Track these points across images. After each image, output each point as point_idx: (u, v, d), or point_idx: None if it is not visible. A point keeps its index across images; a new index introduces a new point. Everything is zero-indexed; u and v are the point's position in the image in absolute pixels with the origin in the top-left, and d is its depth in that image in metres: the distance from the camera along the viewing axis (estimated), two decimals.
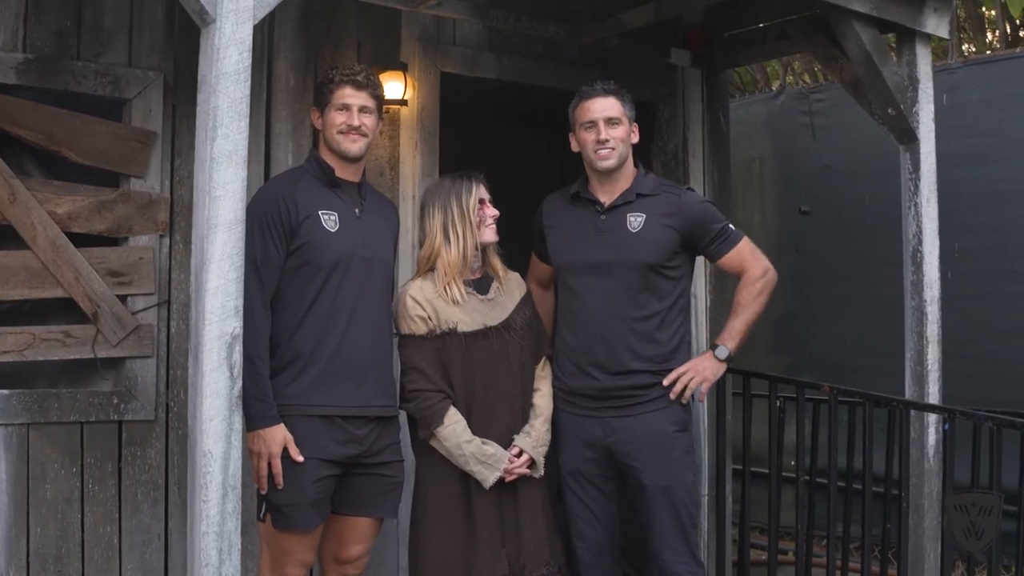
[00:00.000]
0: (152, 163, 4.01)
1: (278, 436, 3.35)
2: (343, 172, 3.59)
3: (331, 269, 3.47)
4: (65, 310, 3.86)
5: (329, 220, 3.49)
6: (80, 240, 3.86)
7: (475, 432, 3.55)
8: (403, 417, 3.69)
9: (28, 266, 3.75)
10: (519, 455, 3.59)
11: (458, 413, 3.55)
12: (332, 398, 3.44)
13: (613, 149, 3.79)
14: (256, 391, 3.30)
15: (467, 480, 3.57)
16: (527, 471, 3.60)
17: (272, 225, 3.42)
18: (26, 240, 3.74)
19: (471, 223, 3.63)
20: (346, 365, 3.47)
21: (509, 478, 3.56)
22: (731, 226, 3.89)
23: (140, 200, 3.97)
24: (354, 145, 3.56)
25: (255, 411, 3.30)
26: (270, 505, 3.41)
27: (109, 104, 3.99)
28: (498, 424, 3.61)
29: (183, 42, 4.04)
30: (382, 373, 3.58)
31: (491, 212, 3.69)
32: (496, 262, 3.75)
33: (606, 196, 3.86)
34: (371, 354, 3.53)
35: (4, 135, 3.75)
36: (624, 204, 3.84)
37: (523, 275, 3.94)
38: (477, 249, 3.67)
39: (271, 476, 3.36)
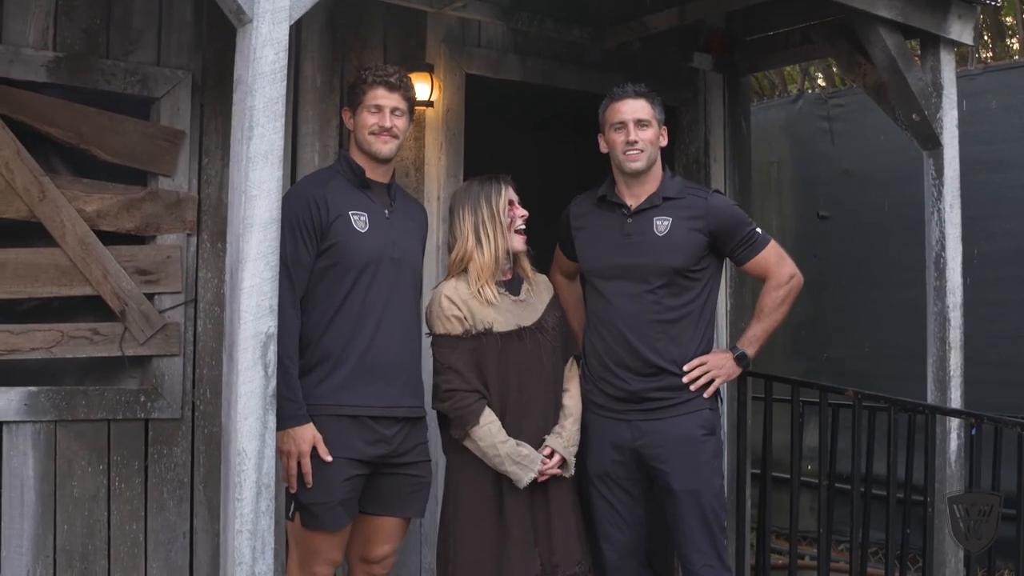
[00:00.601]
0: (180, 162, 4.03)
1: (308, 435, 3.36)
2: (373, 173, 3.59)
3: (361, 270, 3.47)
4: (93, 308, 3.88)
5: (359, 221, 3.50)
6: (108, 238, 3.89)
7: (508, 432, 3.55)
8: (431, 417, 3.69)
9: (57, 263, 3.77)
10: (551, 455, 3.60)
11: (493, 413, 3.55)
12: (361, 398, 3.45)
13: (642, 151, 3.79)
14: (286, 390, 3.29)
15: (500, 481, 3.57)
16: (558, 471, 3.61)
17: (303, 225, 3.42)
18: (55, 238, 3.76)
19: (502, 224, 3.64)
20: (375, 365, 3.47)
21: (541, 479, 3.57)
22: (758, 230, 3.88)
23: (168, 199, 3.99)
24: (385, 146, 3.56)
25: (285, 410, 3.28)
26: (299, 504, 3.42)
27: (138, 102, 4.01)
28: (530, 425, 3.61)
29: (212, 41, 4.06)
30: (411, 374, 3.59)
31: (520, 212, 3.70)
32: (526, 263, 3.76)
33: (632, 199, 3.86)
34: (400, 354, 3.54)
35: (34, 133, 3.77)
36: (650, 208, 3.83)
37: (547, 268, 3.95)
38: (509, 251, 3.67)
39: (300, 475, 3.37)
